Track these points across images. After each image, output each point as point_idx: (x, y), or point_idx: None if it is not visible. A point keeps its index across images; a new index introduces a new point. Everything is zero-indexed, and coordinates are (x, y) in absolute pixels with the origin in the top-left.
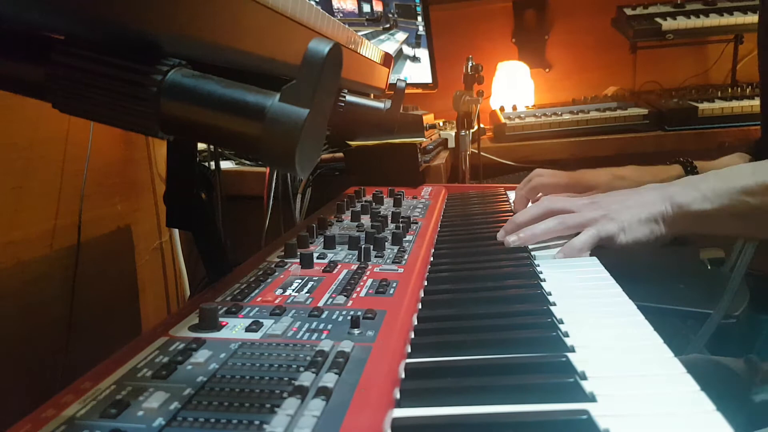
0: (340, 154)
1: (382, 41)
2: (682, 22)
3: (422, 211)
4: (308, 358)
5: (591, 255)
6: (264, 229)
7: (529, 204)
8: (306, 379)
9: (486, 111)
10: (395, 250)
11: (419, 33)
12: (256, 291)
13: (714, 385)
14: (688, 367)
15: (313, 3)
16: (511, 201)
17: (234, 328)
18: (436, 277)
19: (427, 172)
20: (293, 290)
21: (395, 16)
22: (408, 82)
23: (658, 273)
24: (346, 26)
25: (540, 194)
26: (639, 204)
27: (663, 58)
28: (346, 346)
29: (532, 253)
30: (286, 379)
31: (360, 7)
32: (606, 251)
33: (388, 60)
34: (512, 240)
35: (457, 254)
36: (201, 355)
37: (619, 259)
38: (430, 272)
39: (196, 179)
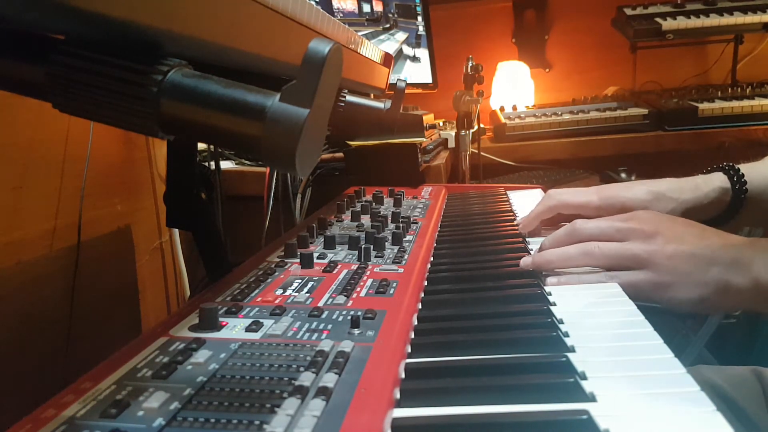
0: (340, 154)
1: (382, 41)
2: (682, 22)
3: (422, 211)
4: (308, 358)
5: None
6: (264, 229)
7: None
8: (306, 379)
9: (486, 111)
10: (395, 250)
11: (419, 33)
12: (256, 291)
13: (723, 411)
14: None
15: (313, 3)
16: (513, 205)
17: (234, 328)
18: (436, 277)
19: (427, 172)
20: (293, 290)
21: (395, 16)
22: (408, 82)
23: None
24: (346, 26)
25: (561, 216)
26: (705, 258)
27: (663, 58)
28: (346, 346)
29: (532, 253)
30: (286, 379)
31: (360, 7)
32: None
33: (388, 60)
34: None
35: (457, 254)
36: (201, 355)
37: None
38: (430, 272)
39: (196, 179)
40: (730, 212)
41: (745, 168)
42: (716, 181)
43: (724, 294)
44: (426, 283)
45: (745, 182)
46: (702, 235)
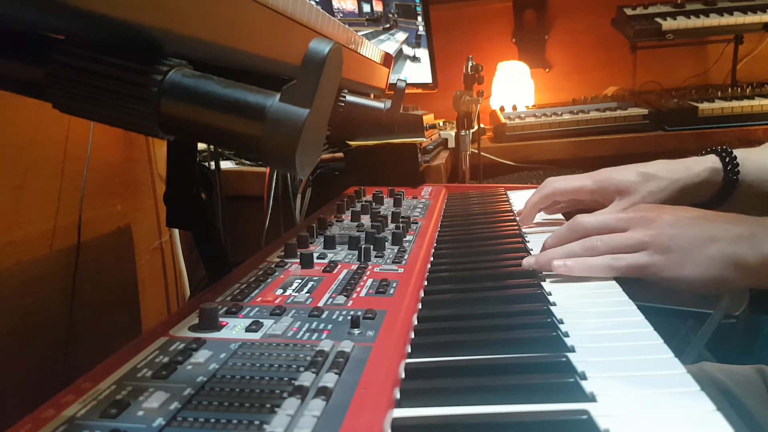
0: (340, 154)
1: (382, 41)
2: (682, 22)
3: (422, 211)
4: (308, 358)
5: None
6: (264, 229)
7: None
8: (306, 379)
9: (486, 111)
10: (395, 250)
11: (419, 33)
12: (256, 291)
13: (725, 411)
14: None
15: (313, 3)
16: (513, 205)
17: (234, 328)
18: (436, 277)
19: (427, 172)
20: (293, 290)
21: (395, 16)
22: (408, 82)
23: None
24: (346, 26)
25: (558, 205)
26: (708, 235)
27: (663, 58)
28: (346, 346)
29: (532, 253)
30: (286, 379)
31: (360, 7)
32: None
33: (388, 60)
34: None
35: (457, 254)
36: (201, 355)
37: None
38: (430, 272)
39: (196, 179)
40: (722, 195)
41: (741, 152)
42: (708, 163)
43: (732, 270)
44: (426, 283)
45: (737, 164)
46: (705, 216)
